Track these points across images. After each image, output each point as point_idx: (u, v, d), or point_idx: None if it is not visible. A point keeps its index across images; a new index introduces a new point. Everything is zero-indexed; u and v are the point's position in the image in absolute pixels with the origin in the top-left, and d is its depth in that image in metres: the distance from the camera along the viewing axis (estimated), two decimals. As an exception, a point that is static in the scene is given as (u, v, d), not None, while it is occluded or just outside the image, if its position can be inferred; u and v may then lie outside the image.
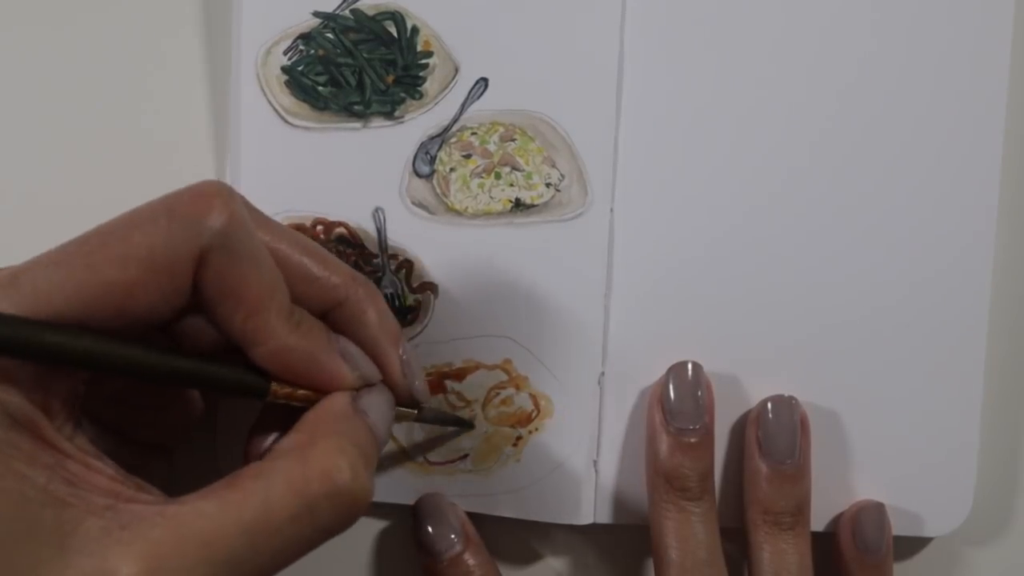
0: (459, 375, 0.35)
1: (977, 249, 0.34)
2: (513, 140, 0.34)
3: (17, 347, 0.22)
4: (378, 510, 0.36)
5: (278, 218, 0.34)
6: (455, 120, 0.34)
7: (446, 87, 0.34)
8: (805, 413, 0.33)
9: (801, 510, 0.33)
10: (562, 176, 0.34)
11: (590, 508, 0.35)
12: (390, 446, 0.35)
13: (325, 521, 0.24)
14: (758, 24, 0.34)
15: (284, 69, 0.34)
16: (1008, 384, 0.36)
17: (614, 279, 0.34)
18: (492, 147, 0.34)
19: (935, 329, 0.34)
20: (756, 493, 0.33)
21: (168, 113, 0.35)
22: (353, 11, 0.34)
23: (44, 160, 0.35)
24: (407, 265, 0.35)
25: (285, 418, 0.27)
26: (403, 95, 0.34)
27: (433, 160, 0.34)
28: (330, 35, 0.34)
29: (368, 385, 0.28)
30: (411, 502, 0.35)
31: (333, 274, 0.27)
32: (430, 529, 0.34)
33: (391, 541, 0.36)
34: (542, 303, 0.34)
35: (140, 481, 0.24)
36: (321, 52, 0.34)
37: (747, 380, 0.35)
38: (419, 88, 0.34)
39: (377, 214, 0.35)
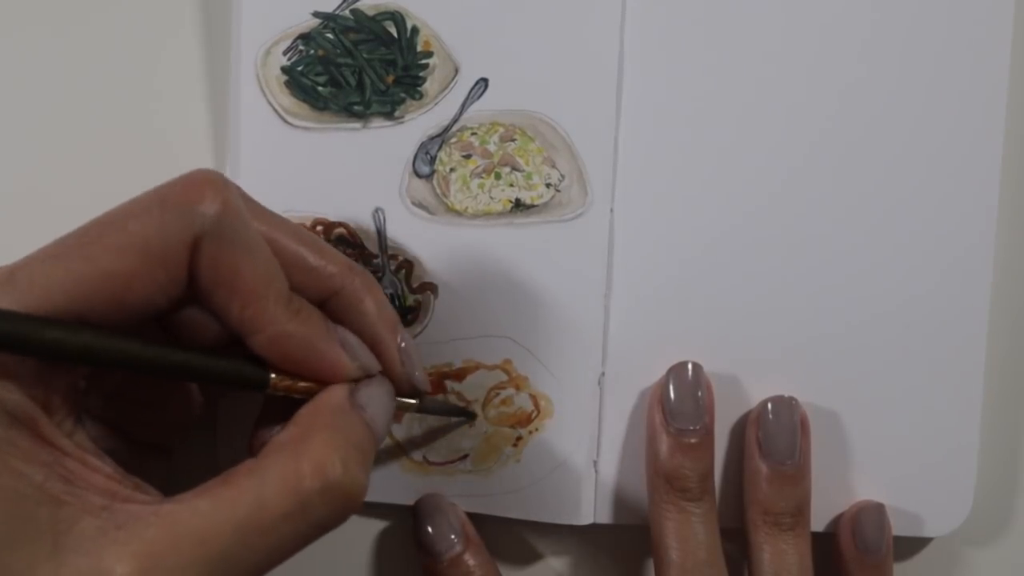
0: (459, 375, 0.35)
1: (977, 249, 0.34)
2: (513, 140, 0.34)
3: (16, 343, 0.22)
4: (378, 510, 0.36)
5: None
6: (455, 120, 0.34)
7: (446, 87, 0.34)
8: (805, 413, 0.33)
9: (801, 510, 0.33)
10: (562, 176, 0.34)
11: (590, 508, 0.35)
12: (390, 445, 0.35)
13: (318, 517, 0.24)
14: (758, 24, 0.34)
15: (284, 69, 0.34)
16: (1008, 384, 0.36)
17: (614, 279, 0.34)
18: (492, 147, 0.34)
19: (935, 329, 0.34)
20: (756, 494, 0.33)
21: (168, 113, 0.35)
22: (353, 11, 0.34)
23: (44, 160, 0.35)
24: (407, 265, 0.35)
25: (288, 412, 0.27)
26: (403, 95, 0.34)
27: (433, 160, 0.34)
28: (330, 35, 0.34)
29: (368, 376, 0.27)
30: (411, 502, 0.35)
31: (330, 263, 0.27)
32: (430, 529, 0.34)
33: (391, 541, 0.36)
34: (542, 303, 0.34)
35: (138, 481, 0.24)
36: (321, 52, 0.34)
37: (747, 380, 0.34)
38: (419, 88, 0.34)
39: (377, 214, 0.35)
